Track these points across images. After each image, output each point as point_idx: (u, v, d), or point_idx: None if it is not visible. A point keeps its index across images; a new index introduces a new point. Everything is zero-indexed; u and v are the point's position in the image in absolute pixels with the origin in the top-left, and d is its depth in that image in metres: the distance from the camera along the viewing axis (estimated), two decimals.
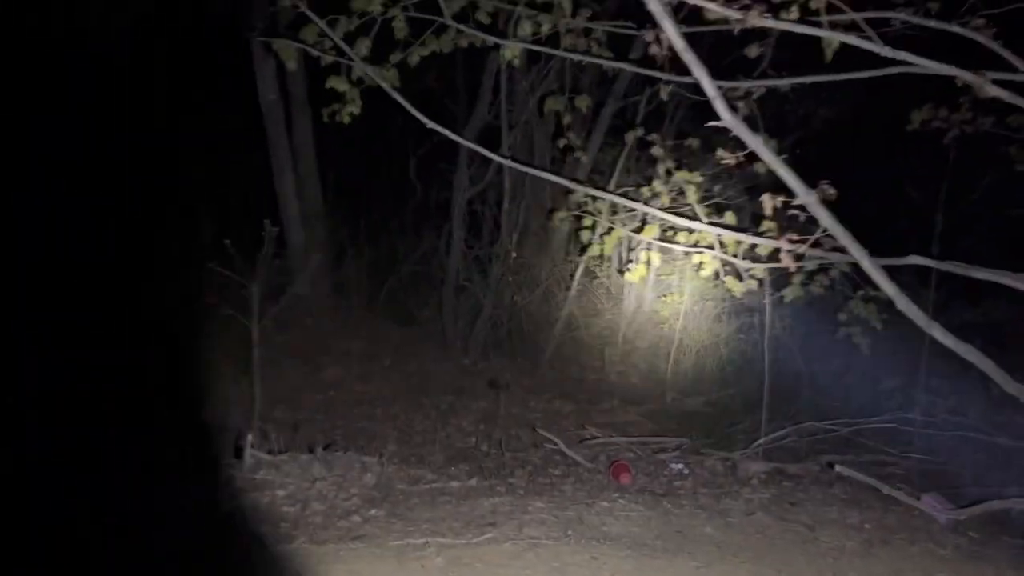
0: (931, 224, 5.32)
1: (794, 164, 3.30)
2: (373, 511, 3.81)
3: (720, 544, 3.61)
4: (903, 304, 3.46)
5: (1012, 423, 5.07)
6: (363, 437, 5.31)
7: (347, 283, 7.90)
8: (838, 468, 4.49)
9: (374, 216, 8.45)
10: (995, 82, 3.34)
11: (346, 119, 4.37)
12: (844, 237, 3.43)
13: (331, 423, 5.62)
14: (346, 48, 3.88)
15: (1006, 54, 3.59)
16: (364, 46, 4.18)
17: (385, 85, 4.05)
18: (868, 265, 3.36)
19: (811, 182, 3.30)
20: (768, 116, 4.02)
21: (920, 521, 4.09)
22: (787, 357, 6.25)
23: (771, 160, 3.24)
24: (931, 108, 4.91)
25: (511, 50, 4.21)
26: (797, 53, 3.81)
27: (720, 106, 3.18)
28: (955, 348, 3.52)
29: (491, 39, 4.27)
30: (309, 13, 3.73)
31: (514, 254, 7.47)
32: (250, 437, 4.12)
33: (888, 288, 3.44)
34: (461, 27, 4.16)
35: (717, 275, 4.47)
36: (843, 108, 7.28)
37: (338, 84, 4.24)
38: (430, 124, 4.24)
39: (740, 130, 3.23)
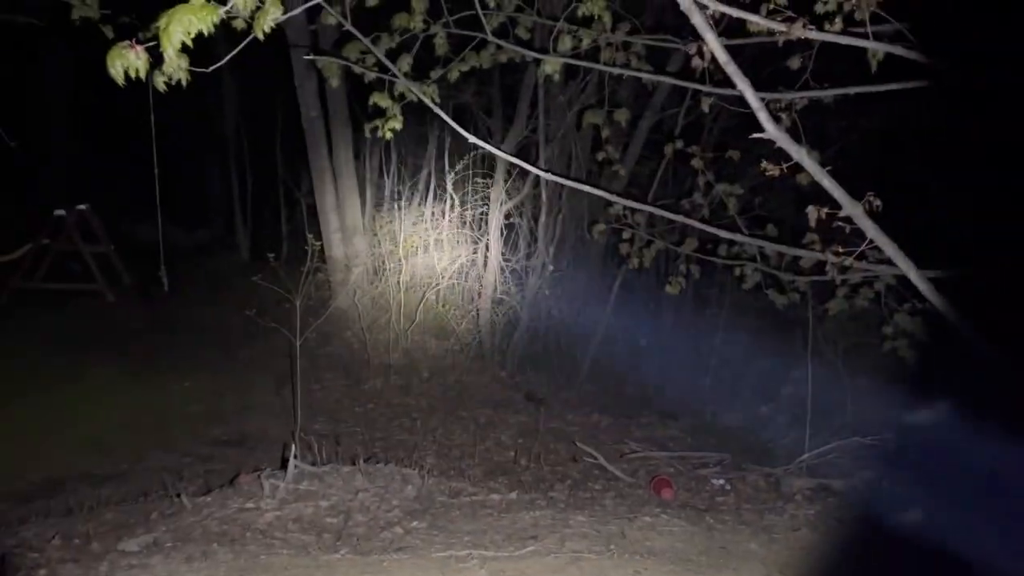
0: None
1: (836, 175, 3.26)
2: (415, 523, 3.83)
3: (764, 560, 3.55)
4: (952, 317, 3.40)
5: None
6: (402, 449, 5.34)
7: (385, 296, 7.97)
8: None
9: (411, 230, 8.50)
10: None
11: (388, 135, 4.43)
12: (890, 248, 3.38)
13: (371, 435, 5.67)
14: (389, 64, 3.94)
15: None
16: (406, 62, 4.26)
17: (427, 100, 4.10)
18: (915, 277, 3.31)
19: (856, 194, 3.27)
20: (808, 128, 3.99)
21: None
22: (829, 372, 6.14)
23: (815, 171, 3.21)
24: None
25: (551, 64, 4.23)
26: (831, 63, 3.78)
27: (764, 118, 3.16)
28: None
29: (531, 54, 4.31)
30: (353, 31, 3.79)
31: (551, 267, 7.48)
32: (294, 448, 4.17)
33: (936, 300, 3.38)
34: (501, 43, 4.20)
35: (759, 287, 4.44)
36: (883, 118, 7.18)
37: (381, 100, 4.31)
38: (472, 139, 4.28)
39: (784, 141, 3.20)
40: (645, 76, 4.68)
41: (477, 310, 7.66)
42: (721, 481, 4.85)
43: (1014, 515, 3.56)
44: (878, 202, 3.38)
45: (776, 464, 5.02)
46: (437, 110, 4.21)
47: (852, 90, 3.78)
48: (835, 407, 5.89)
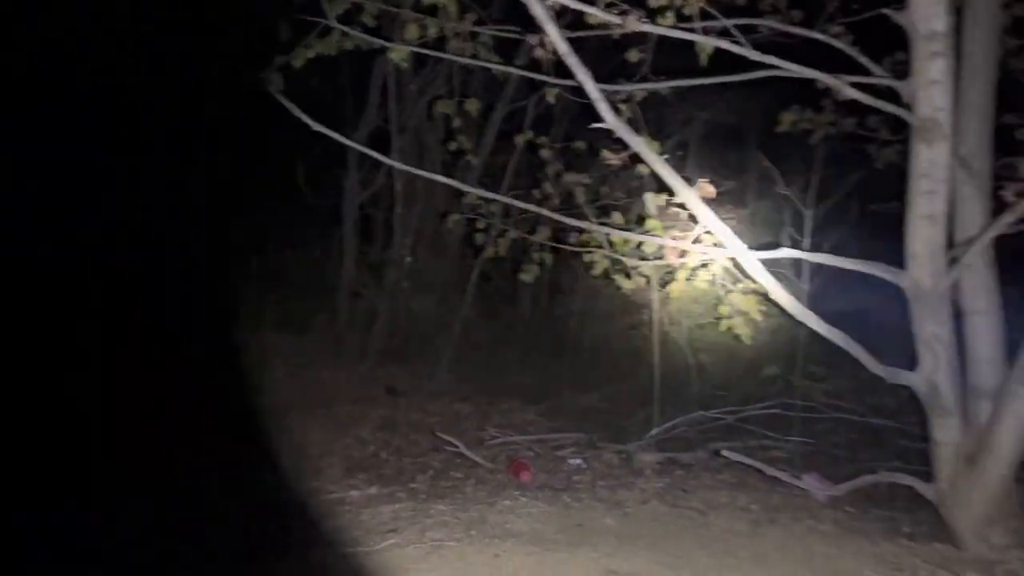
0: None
1: (677, 165, 3.46)
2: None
3: (619, 534, 3.71)
4: (779, 295, 3.67)
5: (882, 404, 5.46)
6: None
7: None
8: (725, 454, 4.69)
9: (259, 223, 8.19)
10: (853, 85, 3.60)
11: None
12: (722, 232, 3.61)
13: None
14: None
15: (863, 59, 3.88)
16: None
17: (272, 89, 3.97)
18: (745, 259, 3.55)
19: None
20: (650, 119, 4.17)
21: (802, 500, 4.33)
22: (676, 350, 6.48)
23: (652, 160, 3.37)
24: (798, 110, 5.24)
25: (398, 53, 4.19)
26: (674, 58, 3.98)
27: (603, 108, 3.28)
28: (828, 335, 3.76)
29: (377, 42, 4.25)
30: None
31: (409, 259, 7.42)
32: None
33: (765, 280, 3.64)
34: (346, 29, 4.12)
35: (606, 273, 4.59)
36: (721, 111, 7.64)
37: None
38: (317, 127, 4.17)
39: (622, 132, 3.34)
40: (494, 67, 4.73)
41: (334, 304, 7.50)
42: (578, 461, 5.01)
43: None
44: (712, 188, 3.58)
45: (628, 441, 5.24)
46: (281, 98, 4.08)
47: (684, 83, 3.98)
48: (681, 384, 6.23)
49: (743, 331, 5.26)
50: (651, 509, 4.09)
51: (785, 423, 5.36)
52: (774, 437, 5.24)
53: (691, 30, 3.38)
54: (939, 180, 3.56)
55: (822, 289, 6.47)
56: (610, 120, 3.23)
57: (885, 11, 3.48)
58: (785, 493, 4.38)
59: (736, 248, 3.65)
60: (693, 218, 3.56)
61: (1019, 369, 3.56)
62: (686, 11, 3.37)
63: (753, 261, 3.63)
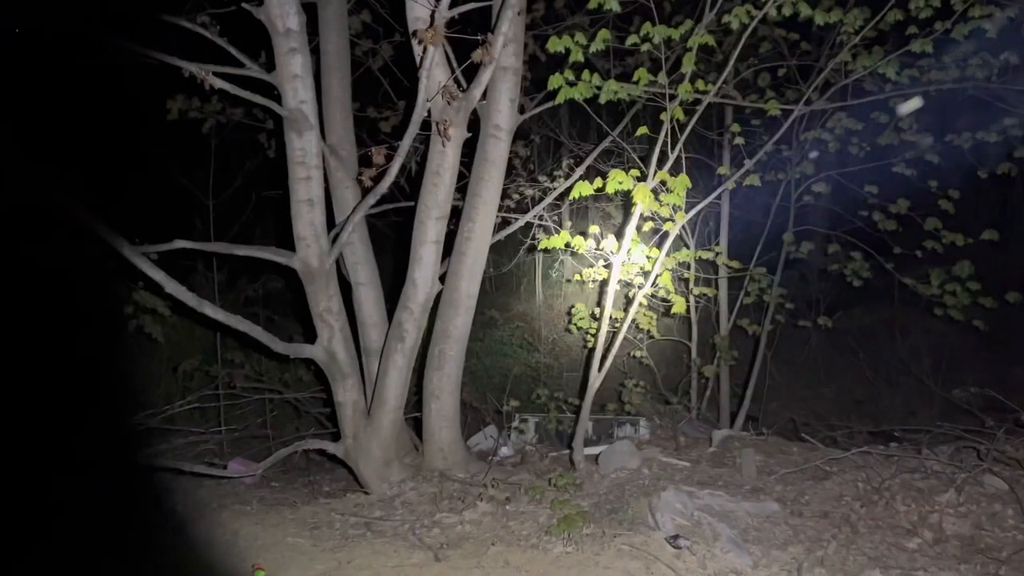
0: (206, 209, 5.62)
1: None
2: None
3: None
4: (172, 288, 3.58)
5: (297, 379, 5.80)
6: None
7: None
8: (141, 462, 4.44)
9: None
10: (227, 76, 3.65)
11: None
12: (102, 230, 3.35)
13: None
14: None
15: (232, 50, 3.98)
16: None
17: None
18: (129, 253, 3.35)
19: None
20: None
21: (230, 487, 4.37)
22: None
23: None
24: (185, 98, 5.16)
25: None
26: None
27: None
28: (226, 321, 3.81)
29: None
30: None
31: None
32: None
33: (154, 274, 3.50)
34: None
35: None
36: None
37: None
38: None
39: None
40: None
41: None
42: None
43: None
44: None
45: None
46: None
47: None
48: None
49: (153, 329, 5.05)
50: None
51: (211, 414, 5.33)
52: (200, 431, 5.16)
53: None
54: (313, 167, 3.89)
55: (234, 277, 6.58)
56: None
57: (245, 5, 3.61)
58: (212, 485, 4.35)
59: (118, 244, 3.43)
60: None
61: (395, 327, 4.14)
62: None
63: (137, 255, 3.46)
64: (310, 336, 4.18)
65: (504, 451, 4.87)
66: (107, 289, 4.92)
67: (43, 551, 3.31)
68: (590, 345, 5.81)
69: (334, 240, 4.06)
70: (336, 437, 4.34)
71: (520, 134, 4.69)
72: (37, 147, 3.41)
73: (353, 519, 3.72)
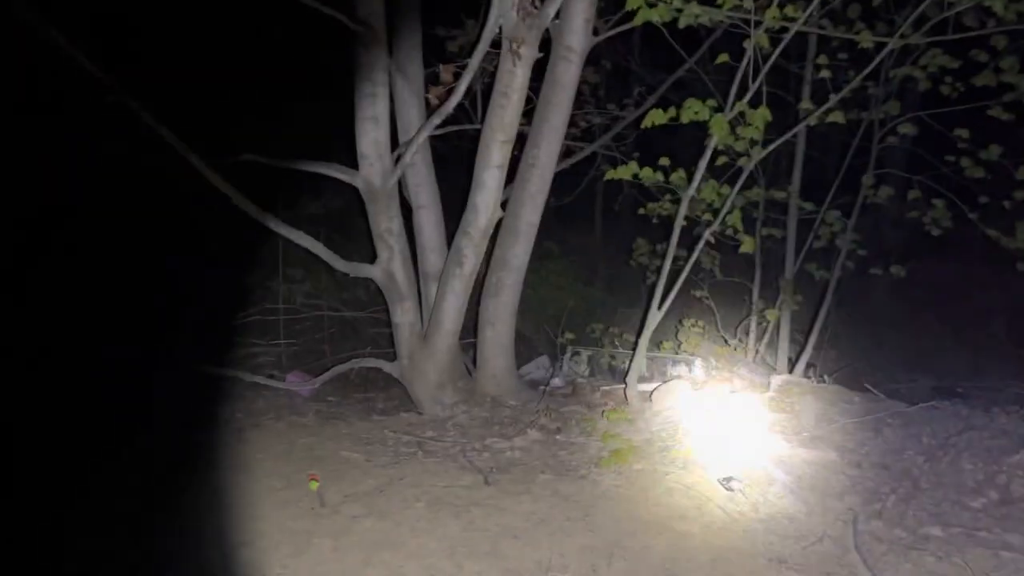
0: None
1: None
2: None
3: None
4: (239, 200, 3.59)
5: (355, 298, 5.85)
6: None
7: None
8: (204, 369, 4.55)
9: None
10: None
11: None
12: (175, 142, 3.35)
13: None
14: None
15: None
16: None
17: None
18: (198, 164, 3.36)
19: None
20: None
21: (286, 399, 4.47)
22: None
23: None
24: None
25: None
26: None
27: None
28: (288, 235, 3.83)
29: None
30: None
31: None
32: None
33: (224, 187, 3.51)
34: None
35: None
36: None
37: None
38: None
39: None
40: None
41: None
42: None
43: None
44: None
45: None
46: None
47: None
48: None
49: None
50: None
51: (271, 329, 5.42)
52: (260, 344, 5.27)
53: None
54: (379, 83, 3.82)
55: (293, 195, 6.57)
56: None
57: None
58: (269, 396, 4.46)
59: (187, 154, 3.43)
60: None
61: (454, 252, 4.11)
62: None
63: (204, 167, 3.47)
64: (369, 258, 4.19)
65: (556, 382, 4.86)
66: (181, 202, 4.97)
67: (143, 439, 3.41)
68: (649, 281, 5.71)
69: (397, 160, 4.01)
70: (392, 357, 4.39)
71: (590, 60, 4.50)
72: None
73: (406, 438, 3.77)
